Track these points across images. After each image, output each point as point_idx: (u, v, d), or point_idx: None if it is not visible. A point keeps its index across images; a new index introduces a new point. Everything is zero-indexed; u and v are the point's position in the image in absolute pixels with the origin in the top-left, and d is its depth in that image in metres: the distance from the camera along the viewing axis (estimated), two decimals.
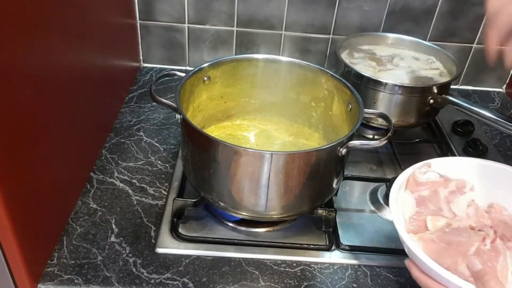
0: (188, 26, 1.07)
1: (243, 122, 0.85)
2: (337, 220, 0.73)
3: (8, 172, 0.52)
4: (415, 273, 0.54)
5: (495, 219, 0.60)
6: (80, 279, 0.62)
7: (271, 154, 0.60)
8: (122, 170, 0.81)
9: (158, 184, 0.78)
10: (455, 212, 0.61)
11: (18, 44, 0.53)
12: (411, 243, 0.54)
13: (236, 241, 0.70)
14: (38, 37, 0.58)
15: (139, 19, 1.06)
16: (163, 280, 0.63)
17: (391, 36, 1.01)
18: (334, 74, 0.75)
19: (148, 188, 0.78)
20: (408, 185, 0.63)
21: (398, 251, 0.70)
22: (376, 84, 0.85)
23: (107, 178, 0.79)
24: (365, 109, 0.67)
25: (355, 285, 0.65)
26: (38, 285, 0.61)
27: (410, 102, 0.87)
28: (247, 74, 0.80)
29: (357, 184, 0.82)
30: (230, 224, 0.72)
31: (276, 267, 0.67)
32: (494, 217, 0.60)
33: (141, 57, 1.12)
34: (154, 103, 0.85)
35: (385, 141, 0.64)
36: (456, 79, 1.04)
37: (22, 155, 0.56)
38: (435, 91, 0.85)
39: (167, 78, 0.74)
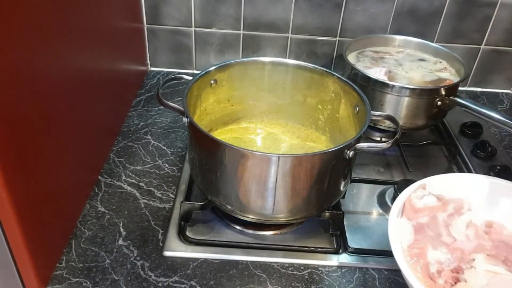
0: (194, 30, 1.07)
1: (250, 125, 0.85)
2: (344, 223, 0.73)
3: (17, 175, 0.53)
4: None
5: (496, 240, 0.58)
6: (88, 282, 0.62)
7: (278, 157, 0.60)
8: (130, 174, 0.81)
9: (165, 188, 0.79)
10: (455, 236, 0.59)
11: (27, 48, 0.54)
12: (412, 278, 0.52)
13: (243, 244, 0.70)
14: (46, 41, 0.58)
15: (146, 23, 1.07)
16: (170, 283, 0.63)
17: (398, 38, 1.01)
18: (341, 77, 0.75)
19: (155, 191, 0.78)
20: (404, 211, 0.61)
21: None
22: (383, 86, 0.85)
23: (115, 181, 0.79)
24: (372, 112, 0.67)
25: None
26: None
27: (418, 104, 0.86)
28: (254, 77, 0.80)
29: (365, 187, 0.82)
30: (238, 227, 0.72)
31: (284, 270, 0.66)
32: (494, 238, 0.59)
33: (148, 61, 1.13)
34: (161, 107, 0.85)
35: (393, 144, 0.64)
36: (464, 81, 1.03)
37: (31, 158, 0.56)
38: (443, 93, 0.85)
39: (174, 81, 0.75)
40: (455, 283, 0.54)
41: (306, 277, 0.66)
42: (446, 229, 0.60)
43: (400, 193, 0.75)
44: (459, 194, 0.64)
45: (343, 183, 0.69)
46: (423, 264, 0.56)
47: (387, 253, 0.70)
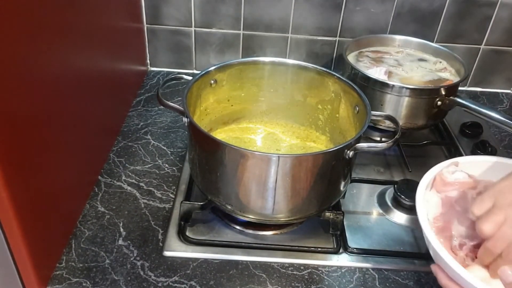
0: (194, 30, 1.07)
1: (250, 125, 0.85)
2: (344, 223, 0.73)
3: (17, 176, 0.53)
4: (443, 280, 0.51)
5: None
6: (88, 282, 0.62)
7: (278, 157, 0.60)
8: (130, 174, 0.81)
9: (165, 187, 0.79)
10: None
11: (27, 48, 0.54)
12: (440, 247, 0.52)
13: (243, 244, 0.70)
14: (46, 41, 0.58)
15: (146, 23, 1.07)
16: (170, 283, 0.63)
17: (398, 38, 1.01)
18: (340, 77, 0.75)
19: (155, 191, 0.78)
20: (434, 184, 0.62)
21: (406, 254, 0.70)
22: (383, 86, 0.85)
23: (115, 181, 0.79)
24: (372, 112, 0.67)
25: None
26: None
27: (418, 104, 0.86)
28: (253, 77, 0.80)
29: (365, 187, 0.82)
30: (238, 227, 0.72)
31: (284, 270, 0.66)
32: None
33: (148, 61, 1.13)
34: (161, 107, 0.85)
35: (393, 144, 0.64)
36: (464, 81, 1.03)
37: (31, 159, 0.56)
38: (443, 92, 0.85)
39: (174, 81, 0.75)
40: (476, 257, 0.54)
41: (306, 277, 0.66)
42: None
43: (400, 193, 0.76)
44: (490, 176, 0.63)
45: (343, 183, 0.69)
46: (446, 236, 0.57)
47: (387, 253, 0.70)
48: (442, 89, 0.85)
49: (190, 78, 0.72)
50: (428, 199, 0.60)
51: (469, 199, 0.60)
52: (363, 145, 0.63)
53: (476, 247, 0.55)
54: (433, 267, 0.54)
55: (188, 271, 0.65)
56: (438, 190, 0.61)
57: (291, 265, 0.67)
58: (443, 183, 0.61)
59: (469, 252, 0.54)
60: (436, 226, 0.58)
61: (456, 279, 0.50)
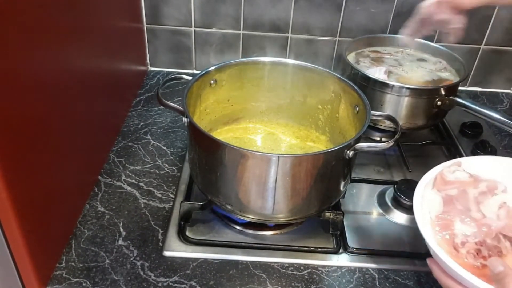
0: (194, 30, 1.07)
1: (249, 125, 0.85)
2: (344, 223, 0.73)
3: (17, 175, 0.53)
4: (436, 273, 0.54)
5: None
6: (88, 282, 0.62)
7: (278, 157, 0.60)
8: (130, 174, 0.81)
9: (165, 188, 0.79)
10: (484, 213, 0.59)
11: (27, 49, 0.54)
12: (433, 243, 0.53)
13: (243, 244, 0.70)
14: (46, 41, 0.58)
15: (146, 23, 1.07)
16: (170, 283, 0.63)
17: (398, 37, 1.01)
18: (340, 77, 0.75)
19: (155, 191, 0.78)
20: (435, 183, 0.63)
21: (406, 254, 0.70)
22: (383, 86, 0.85)
23: (115, 181, 0.79)
24: (372, 112, 0.67)
25: None
26: None
27: (418, 104, 0.86)
28: (253, 77, 0.80)
29: (365, 187, 0.82)
30: (237, 227, 0.72)
31: (284, 270, 0.66)
32: None
33: (148, 61, 1.13)
34: (161, 107, 0.85)
35: (393, 144, 0.64)
36: (464, 81, 1.03)
37: (31, 159, 0.56)
38: (443, 92, 0.85)
39: (174, 81, 0.75)
40: (477, 254, 0.55)
41: (306, 277, 0.66)
42: (476, 206, 0.60)
43: (400, 193, 0.76)
44: (494, 176, 0.64)
45: (343, 183, 0.69)
46: (449, 234, 0.57)
47: (387, 253, 0.70)
48: (442, 89, 0.85)
49: (190, 78, 0.72)
50: (430, 198, 0.61)
51: (470, 198, 0.60)
52: (363, 145, 0.63)
53: (478, 244, 0.55)
54: (428, 261, 0.56)
55: (188, 271, 0.65)
56: (439, 189, 0.62)
57: (291, 265, 0.67)
58: (443, 182, 0.62)
59: (470, 250, 0.55)
60: (439, 224, 0.59)
61: (449, 272, 0.52)
